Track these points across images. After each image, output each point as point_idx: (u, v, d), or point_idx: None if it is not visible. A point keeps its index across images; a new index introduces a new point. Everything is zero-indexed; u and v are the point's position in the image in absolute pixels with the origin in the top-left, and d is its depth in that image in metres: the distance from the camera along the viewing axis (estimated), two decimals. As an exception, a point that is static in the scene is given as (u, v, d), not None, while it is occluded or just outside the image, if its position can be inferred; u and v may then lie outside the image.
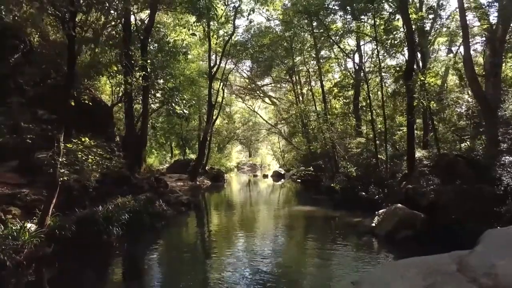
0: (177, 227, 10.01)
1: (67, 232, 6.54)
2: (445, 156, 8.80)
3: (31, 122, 7.17)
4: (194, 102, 18.62)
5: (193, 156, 25.85)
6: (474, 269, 2.48)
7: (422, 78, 11.14)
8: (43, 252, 6.07)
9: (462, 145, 10.89)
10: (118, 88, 16.04)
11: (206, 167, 24.08)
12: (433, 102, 11.50)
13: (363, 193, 11.93)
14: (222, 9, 19.81)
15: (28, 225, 6.18)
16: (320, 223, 10.40)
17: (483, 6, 12.06)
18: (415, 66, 11.92)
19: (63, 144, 6.16)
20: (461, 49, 15.22)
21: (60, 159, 6.02)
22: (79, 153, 6.92)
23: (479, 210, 7.04)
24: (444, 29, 15.77)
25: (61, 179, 6.33)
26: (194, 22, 13.70)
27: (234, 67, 26.88)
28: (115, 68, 8.38)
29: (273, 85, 33.20)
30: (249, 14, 18.95)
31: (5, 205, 6.56)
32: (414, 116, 10.78)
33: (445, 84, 15.99)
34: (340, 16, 15.05)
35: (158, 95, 13.47)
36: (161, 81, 12.24)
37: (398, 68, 11.67)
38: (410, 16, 12.01)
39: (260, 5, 21.09)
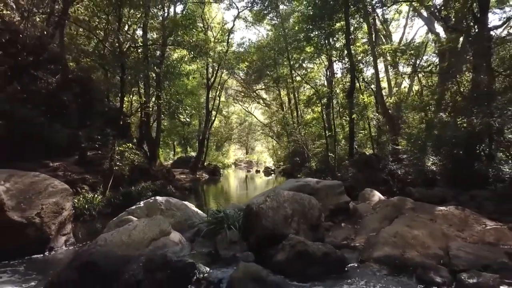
0: (183, 203, 14.30)
1: (117, 200, 10.74)
2: (363, 154, 12.96)
3: (100, 135, 11.42)
4: (194, 112, 22.65)
5: (193, 154, 29.66)
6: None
7: (362, 97, 15.29)
8: (105, 211, 10.27)
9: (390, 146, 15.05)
10: (133, 97, 20.28)
11: (205, 163, 28.27)
12: (370, 114, 15.65)
13: (320, 182, 16.15)
14: (217, 30, 23.95)
15: (96, 195, 10.39)
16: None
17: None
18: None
19: (117, 147, 10.36)
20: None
21: (116, 156, 10.19)
22: (126, 152, 11.10)
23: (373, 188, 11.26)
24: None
25: (115, 168, 10.53)
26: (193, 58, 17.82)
27: (230, 75, 30.89)
28: (144, 99, 12.54)
29: (266, 89, 37.09)
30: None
31: (80, 184, 10.77)
32: (354, 124, 14.90)
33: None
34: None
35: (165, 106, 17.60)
36: (168, 97, 16.30)
37: (345, 88, 15.86)
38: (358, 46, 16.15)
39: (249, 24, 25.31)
